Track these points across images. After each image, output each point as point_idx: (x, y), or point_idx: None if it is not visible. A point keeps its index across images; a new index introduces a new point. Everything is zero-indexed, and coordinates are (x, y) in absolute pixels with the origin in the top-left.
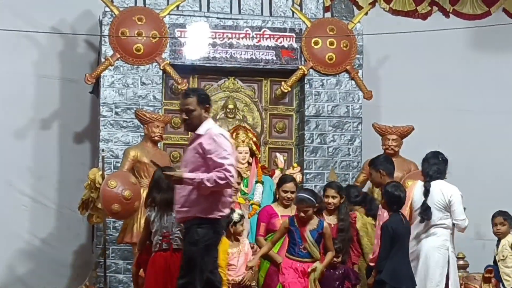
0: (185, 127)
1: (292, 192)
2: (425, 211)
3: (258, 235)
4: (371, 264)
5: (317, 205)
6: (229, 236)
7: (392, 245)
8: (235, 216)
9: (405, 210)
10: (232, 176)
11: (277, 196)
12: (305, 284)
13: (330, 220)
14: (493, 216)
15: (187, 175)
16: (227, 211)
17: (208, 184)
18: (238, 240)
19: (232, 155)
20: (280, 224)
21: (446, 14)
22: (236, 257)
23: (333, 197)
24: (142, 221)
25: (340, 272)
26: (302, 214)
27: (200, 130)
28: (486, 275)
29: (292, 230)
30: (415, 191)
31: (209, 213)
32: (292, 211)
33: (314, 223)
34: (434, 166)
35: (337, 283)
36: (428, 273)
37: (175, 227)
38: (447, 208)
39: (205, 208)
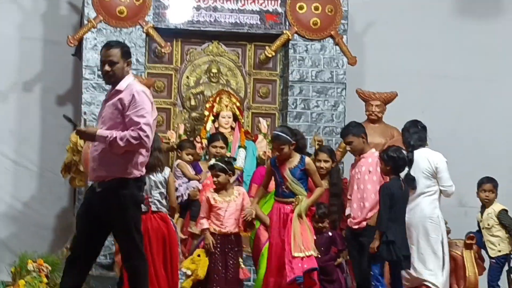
0: (106, 80)
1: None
2: (411, 181)
3: (249, 196)
4: (355, 227)
5: (293, 142)
6: (213, 184)
7: (391, 207)
8: (211, 162)
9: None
10: (147, 136)
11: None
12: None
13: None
14: (481, 182)
15: (100, 132)
16: (144, 170)
17: (121, 143)
18: (225, 190)
19: (151, 114)
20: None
21: None
22: (223, 207)
23: (325, 161)
24: None
25: (327, 236)
26: (277, 152)
27: (120, 85)
28: (468, 242)
29: (273, 170)
30: None
31: (129, 173)
32: None
33: (294, 160)
34: (415, 135)
35: (322, 248)
36: (422, 242)
37: (154, 190)
38: (434, 175)
39: (123, 168)
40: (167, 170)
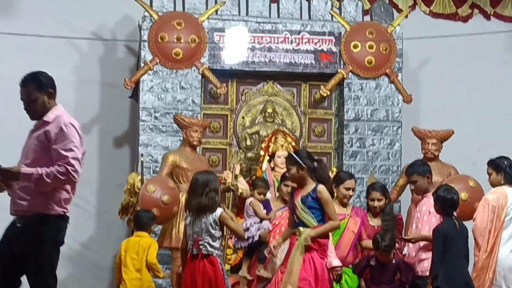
0: (30, 117)
1: (353, 190)
2: None
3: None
4: None
5: (304, 166)
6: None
7: (445, 250)
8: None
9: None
10: (75, 171)
11: (335, 194)
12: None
13: (374, 222)
14: None
15: (24, 170)
16: (69, 207)
17: (48, 180)
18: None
19: (80, 148)
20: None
21: (487, 16)
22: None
23: (378, 200)
24: (181, 226)
25: (392, 265)
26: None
27: (48, 117)
28: None
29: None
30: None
31: (50, 209)
32: (348, 210)
33: (308, 188)
34: None
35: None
36: None
37: (205, 233)
38: None
39: (45, 203)
40: (218, 210)
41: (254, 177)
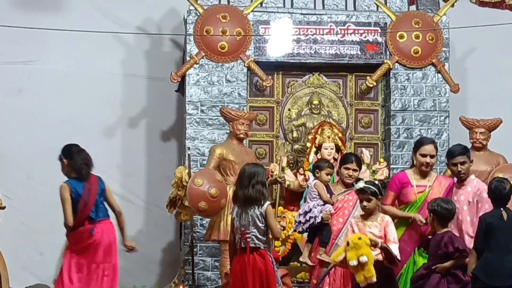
0: None
1: (432, 157)
2: None
3: (383, 204)
4: None
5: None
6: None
7: (486, 239)
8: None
9: None
10: None
11: (414, 161)
12: None
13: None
14: None
15: None
16: None
17: None
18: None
19: None
20: (414, 195)
21: None
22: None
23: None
24: (229, 219)
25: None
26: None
27: None
28: None
29: None
30: None
31: None
32: (430, 180)
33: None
34: None
35: None
36: None
37: (252, 225)
38: None
39: None
40: (266, 204)
41: (301, 169)
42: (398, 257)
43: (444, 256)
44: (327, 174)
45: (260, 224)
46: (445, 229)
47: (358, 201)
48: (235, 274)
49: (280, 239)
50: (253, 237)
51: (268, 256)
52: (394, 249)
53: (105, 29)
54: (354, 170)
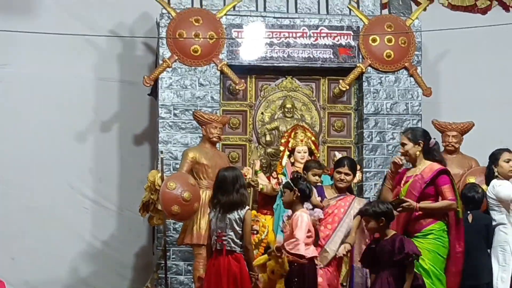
0: None
1: (346, 174)
2: None
3: None
4: None
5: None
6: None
7: None
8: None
9: None
10: None
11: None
12: None
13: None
14: None
15: None
16: None
17: None
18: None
19: None
20: None
21: (506, 7)
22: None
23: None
24: (202, 222)
25: None
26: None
27: None
28: None
29: None
30: None
31: None
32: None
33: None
34: None
35: None
36: None
37: (229, 229)
38: None
39: None
40: (245, 208)
41: (274, 173)
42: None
43: (398, 262)
44: (314, 175)
45: (237, 228)
46: (393, 232)
47: (351, 208)
48: (210, 276)
49: (249, 247)
50: (229, 240)
51: (243, 260)
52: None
53: (78, 33)
54: (346, 174)
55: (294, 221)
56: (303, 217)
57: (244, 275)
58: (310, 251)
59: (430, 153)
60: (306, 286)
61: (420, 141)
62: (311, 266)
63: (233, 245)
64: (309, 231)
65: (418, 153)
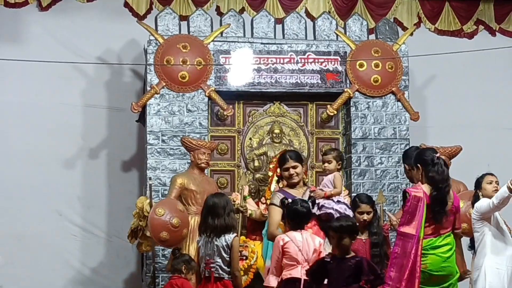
0: None
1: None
2: None
3: None
4: None
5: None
6: None
7: None
8: None
9: None
10: None
11: None
12: None
13: (362, 236)
14: None
15: None
16: None
17: None
18: None
19: None
20: None
21: (492, 32)
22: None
23: (367, 213)
24: (191, 249)
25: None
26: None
27: None
28: None
29: None
30: None
31: None
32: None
33: None
34: None
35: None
36: None
37: (217, 256)
38: None
39: None
40: (232, 234)
41: (263, 198)
42: None
43: (368, 282)
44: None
45: (225, 255)
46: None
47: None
48: None
49: (237, 274)
50: (217, 267)
51: (231, 286)
52: None
53: (65, 60)
54: (293, 167)
55: None
56: (277, 241)
57: None
58: (295, 272)
59: None
60: None
61: None
62: (291, 285)
63: (221, 271)
64: (286, 254)
65: None
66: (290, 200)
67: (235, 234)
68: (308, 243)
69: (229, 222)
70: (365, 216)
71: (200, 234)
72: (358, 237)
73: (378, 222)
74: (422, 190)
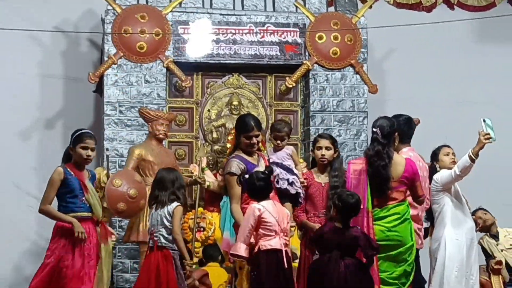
0: None
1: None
2: None
3: None
4: None
5: None
6: None
7: None
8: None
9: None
10: None
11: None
12: None
13: (320, 179)
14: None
15: None
16: None
17: None
18: None
19: None
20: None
21: (450, 6)
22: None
23: (326, 148)
24: (148, 220)
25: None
26: None
27: None
28: (496, 267)
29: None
30: None
31: None
32: None
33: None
34: None
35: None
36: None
37: (160, 225)
38: None
39: None
40: (175, 203)
41: (221, 170)
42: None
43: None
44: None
45: (167, 223)
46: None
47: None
48: (142, 272)
49: (177, 237)
50: (160, 236)
51: (171, 257)
52: None
53: (21, 28)
54: (255, 136)
55: None
56: (252, 210)
57: (170, 274)
58: (274, 243)
59: None
60: (265, 278)
61: None
62: (273, 257)
63: (163, 240)
64: (264, 224)
65: None
66: (247, 177)
67: (178, 204)
68: (282, 213)
69: (174, 197)
70: (324, 151)
71: (150, 207)
72: (316, 180)
73: (341, 165)
74: (364, 162)
